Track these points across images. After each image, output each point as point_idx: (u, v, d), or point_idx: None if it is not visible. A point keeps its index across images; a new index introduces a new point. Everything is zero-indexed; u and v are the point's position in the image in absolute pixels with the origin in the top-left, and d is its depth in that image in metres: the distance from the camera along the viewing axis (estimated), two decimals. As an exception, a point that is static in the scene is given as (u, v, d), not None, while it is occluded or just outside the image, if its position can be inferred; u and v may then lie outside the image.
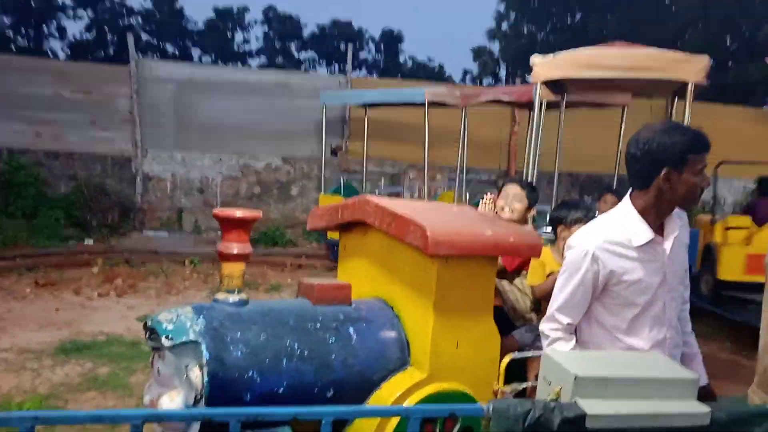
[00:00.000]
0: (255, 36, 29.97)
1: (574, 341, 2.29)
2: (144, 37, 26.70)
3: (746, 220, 7.06)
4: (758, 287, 2.58)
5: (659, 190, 2.13)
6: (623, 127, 6.76)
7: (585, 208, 3.50)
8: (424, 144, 8.82)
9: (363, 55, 30.12)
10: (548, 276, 3.38)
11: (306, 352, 2.51)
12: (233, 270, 2.60)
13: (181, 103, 11.97)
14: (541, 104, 4.90)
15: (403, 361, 2.69)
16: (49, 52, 24.48)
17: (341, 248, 3.22)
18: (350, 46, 13.67)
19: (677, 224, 2.22)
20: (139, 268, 8.73)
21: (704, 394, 2.16)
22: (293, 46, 29.94)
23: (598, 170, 13.03)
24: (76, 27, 51.98)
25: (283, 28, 29.49)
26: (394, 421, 2.43)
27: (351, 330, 2.65)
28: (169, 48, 27.61)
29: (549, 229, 3.83)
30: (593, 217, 3.51)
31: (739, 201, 13.47)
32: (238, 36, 29.63)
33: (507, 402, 1.66)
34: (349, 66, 13.20)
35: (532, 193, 3.64)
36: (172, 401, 2.35)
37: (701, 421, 1.69)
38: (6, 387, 4.56)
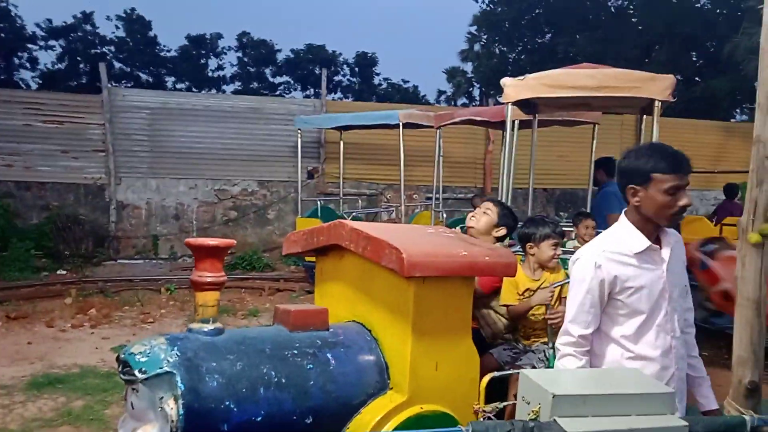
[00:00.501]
0: (229, 62, 29.90)
1: (585, 360, 2.35)
2: (117, 65, 26.55)
3: (704, 221, 7.19)
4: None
5: (635, 206, 2.31)
6: (595, 143, 6.86)
7: (552, 223, 3.52)
8: (400, 165, 8.86)
9: (337, 78, 30.27)
10: (522, 293, 3.39)
11: (283, 380, 2.47)
12: (207, 299, 2.55)
13: (155, 131, 11.91)
14: (513, 124, 4.96)
15: (382, 385, 2.66)
16: (20, 83, 24.21)
17: (317, 272, 3.20)
18: (324, 71, 13.75)
19: (672, 239, 2.36)
20: (114, 298, 8.60)
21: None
22: (268, 72, 29.98)
23: (572, 186, 13.21)
24: (47, 57, 51.65)
25: (257, 54, 29.53)
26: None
27: (329, 355, 2.62)
28: (143, 76, 27.47)
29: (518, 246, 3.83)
30: (561, 232, 3.53)
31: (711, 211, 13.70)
32: (212, 62, 29.56)
33: (486, 424, 1.65)
34: (323, 90, 13.26)
35: (506, 215, 3.53)
36: (146, 435, 2.29)
37: (679, 435, 1.69)
38: (-24, 425, 4.44)
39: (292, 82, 30.16)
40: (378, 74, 31.31)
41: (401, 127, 8.82)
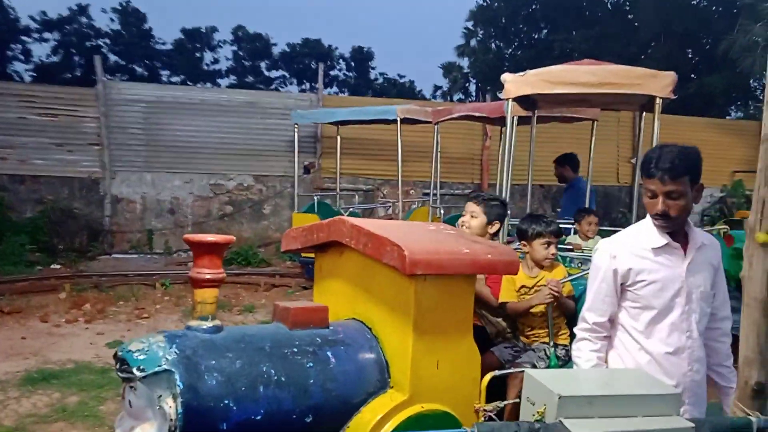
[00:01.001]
0: (224, 56, 29.71)
1: (600, 344, 2.45)
2: (112, 58, 26.39)
3: None
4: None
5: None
6: (593, 139, 6.85)
7: (547, 222, 3.48)
8: (397, 161, 8.83)
9: (333, 72, 30.17)
10: (518, 290, 3.37)
11: (283, 378, 2.45)
12: (206, 296, 2.52)
13: (150, 124, 11.84)
14: (513, 119, 4.93)
15: (383, 384, 2.64)
16: (14, 76, 24.02)
17: (317, 269, 3.17)
18: (321, 65, 13.69)
19: (700, 239, 2.39)
20: (109, 293, 8.55)
21: None
22: (263, 65, 29.85)
23: (572, 182, 13.19)
24: (42, 50, 51.33)
25: (252, 48, 29.39)
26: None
27: (329, 353, 2.59)
28: (138, 69, 27.31)
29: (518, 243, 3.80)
30: (556, 231, 3.49)
31: (705, 209, 13.74)
32: (208, 56, 29.38)
33: (491, 425, 1.63)
34: (320, 84, 13.21)
35: (492, 208, 3.50)
36: (144, 434, 2.26)
37: (686, 437, 1.68)
38: (-30, 421, 4.40)
39: (287, 76, 30.07)
40: (374, 69, 31.25)
41: (399, 123, 8.79)
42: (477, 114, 8.10)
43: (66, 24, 26.10)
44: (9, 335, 6.55)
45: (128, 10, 26.71)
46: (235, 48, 29.75)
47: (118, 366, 2.40)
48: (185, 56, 27.84)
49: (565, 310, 3.32)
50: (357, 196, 11.81)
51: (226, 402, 2.32)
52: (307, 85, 28.80)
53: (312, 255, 3.21)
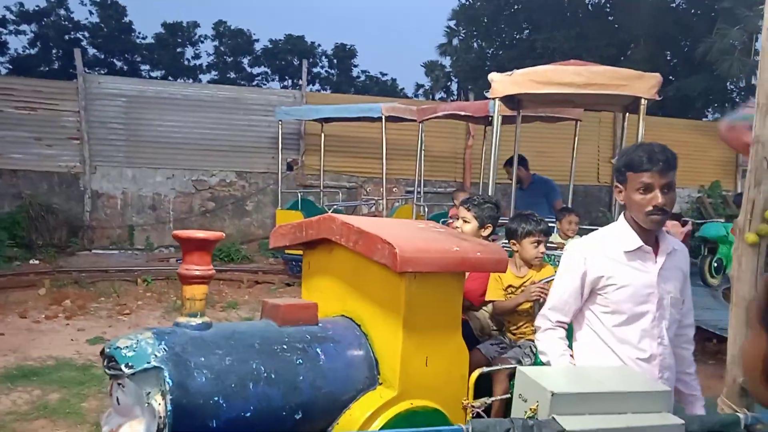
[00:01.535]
0: (206, 51, 29.39)
1: (563, 332, 2.45)
2: (91, 51, 26.00)
3: None
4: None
5: (624, 205, 2.33)
6: (576, 139, 6.91)
7: (536, 221, 3.50)
8: (382, 158, 8.84)
9: (316, 70, 30.04)
10: (505, 289, 3.40)
11: (273, 375, 2.44)
12: (195, 293, 2.50)
13: (132, 119, 11.70)
14: (499, 119, 4.96)
15: (372, 380, 2.64)
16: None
17: (305, 266, 3.16)
18: (305, 62, 13.64)
19: (671, 245, 2.35)
20: (89, 289, 8.44)
21: None
22: (245, 62, 29.63)
23: (556, 180, 13.29)
24: (18, 42, 50.43)
25: (234, 44, 29.14)
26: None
27: (319, 350, 2.59)
28: (117, 63, 26.95)
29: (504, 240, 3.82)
30: (545, 230, 3.52)
31: (684, 209, 13.93)
32: (189, 51, 29.07)
33: (486, 422, 1.65)
34: (303, 81, 13.16)
35: (483, 212, 3.51)
36: (133, 431, 2.25)
37: (675, 433, 1.71)
38: (-52, 419, 4.32)
39: (269, 72, 29.87)
40: (356, 66, 31.18)
41: (384, 120, 8.80)
42: (462, 113, 8.13)
43: (44, 16, 25.67)
44: (-13, 332, 6.44)
45: (108, 2, 26.31)
46: (216, 43, 29.51)
47: (105, 363, 2.38)
48: (166, 51, 27.53)
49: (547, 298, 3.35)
50: (340, 194, 11.79)
51: (216, 399, 2.31)
52: (289, 81, 28.64)
53: (296, 252, 3.20)
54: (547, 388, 1.71)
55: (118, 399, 2.36)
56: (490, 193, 4.77)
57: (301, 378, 2.50)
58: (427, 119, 8.58)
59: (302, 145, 12.45)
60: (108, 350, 2.37)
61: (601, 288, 2.31)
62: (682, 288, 2.38)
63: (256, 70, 29.80)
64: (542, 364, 3.23)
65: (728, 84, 17.59)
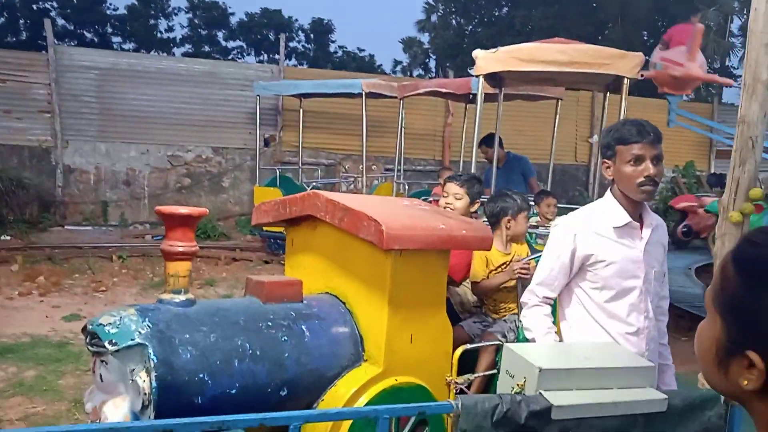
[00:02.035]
0: (179, 23, 28.78)
1: (549, 308, 2.44)
2: (60, 22, 25.25)
3: None
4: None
5: (613, 180, 2.35)
6: (557, 118, 6.94)
7: (520, 196, 3.54)
8: (362, 135, 8.78)
9: (292, 44, 29.59)
10: (496, 268, 3.41)
11: (258, 352, 2.44)
12: (179, 269, 2.48)
13: (105, 92, 11.43)
14: (482, 96, 4.94)
15: (357, 357, 2.66)
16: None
17: (288, 243, 3.14)
18: (282, 36, 13.44)
19: (655, 221, 2.40)
20: (63, 265, 8.31)
21: None
22: (220, 35, 29.06)
23: (535, 159, 13.38)
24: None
25: (209, 16, 28.52)
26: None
27: (303, 327, 2.59)
28: (87, 34, 26.22)
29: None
30: (529, 203, 3.61)
31: (659, 189, 14.13)
32: (162, 23, 28.38)
33: (475, 398, 1.66)
34: (281, 56, 12.99)
35: (473, 188, 3.55)
36: (117, 408, 2.23)
37: (659, 407, 1.74)
38: None
39: (245, 46, 29.36)
40: (333, 42, 30.80)
41: (364, 97, 8.73)
42: (443, 90, 8.11)
43: (11, -16, 24.83)
44: (-42, 309, 6.33)
45: (78, -29, 25.55)
46: (190, 16, 28.86)
47: (88, 340, 2.35)
48: (138, 23, 26.85)
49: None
50: (319, 171, 11.71)
51: (201, 376, 2.31)
52: (265, 56, 28.22)
53: (275, 229, 3.18)
54: (535, 364, 1.73)
55: (101, 376, 2.34)
56: (473, 171, 4.76)
57: (287, 355, 2.50)
58: (408, 96, 8.53)
59: (280, 121, 12.31)
60: (90, 327, 2.34)
61: (591, 264, 2.34)
62: (663, 261, 2.45)
63: (231, 44, 29.27)
64: (526, 339, 3.28)
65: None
